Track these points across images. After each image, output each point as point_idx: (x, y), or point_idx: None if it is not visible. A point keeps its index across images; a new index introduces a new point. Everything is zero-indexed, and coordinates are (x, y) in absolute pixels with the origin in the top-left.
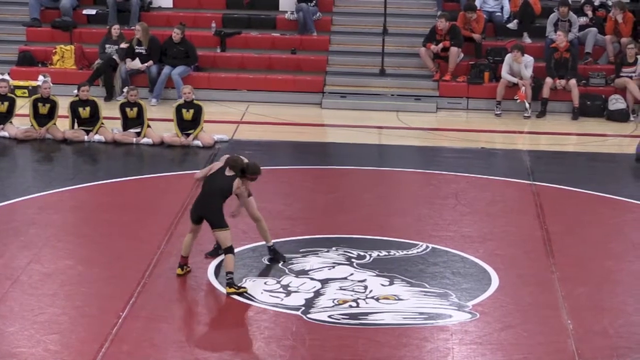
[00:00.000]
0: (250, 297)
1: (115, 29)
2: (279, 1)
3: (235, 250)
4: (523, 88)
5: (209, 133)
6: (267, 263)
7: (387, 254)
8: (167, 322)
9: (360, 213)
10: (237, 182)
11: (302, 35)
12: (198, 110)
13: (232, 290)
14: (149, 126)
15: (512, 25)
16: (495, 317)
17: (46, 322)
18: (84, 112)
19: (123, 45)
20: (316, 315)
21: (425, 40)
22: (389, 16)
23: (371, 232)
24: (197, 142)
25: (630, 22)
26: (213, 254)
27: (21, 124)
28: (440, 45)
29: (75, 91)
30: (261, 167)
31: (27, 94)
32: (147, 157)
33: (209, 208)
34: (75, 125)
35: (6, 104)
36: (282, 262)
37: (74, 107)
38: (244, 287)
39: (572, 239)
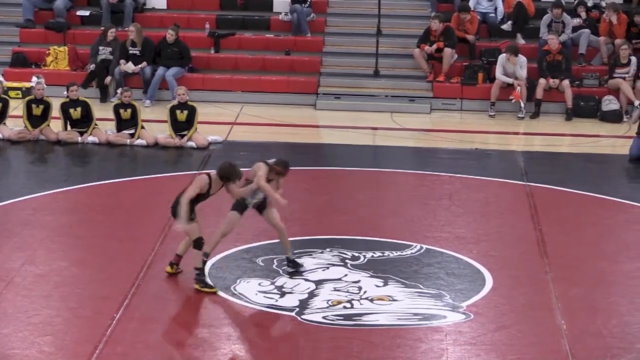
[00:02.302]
0: (244, 298)
1: (112, 32)
2: (273, 2)
3: (229, 251)
4: (519, 88)
5: (203, 134)
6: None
7: (381, 255)
8: (161, 324)
9: (354, 214)
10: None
11: (296, 36)
12: (192, 112)
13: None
14: (142, 127)
15: (506, 26)
16: (489, 317)
17: (40, 324)
18: (75, 112)
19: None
20: (310, 316)
21: (419, 41)
22: (383, 17)
23: (365, 233)
24: (191, 144)
25: (624, 24)
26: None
27: (15, 125)
28: (434, 46)
29: (65, 92)
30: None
31: (20, 95)
32: (141, 158)
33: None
34: (68, 126)
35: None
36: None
37: (64, 108)
38: (213, 288)
39: (566, 239)
